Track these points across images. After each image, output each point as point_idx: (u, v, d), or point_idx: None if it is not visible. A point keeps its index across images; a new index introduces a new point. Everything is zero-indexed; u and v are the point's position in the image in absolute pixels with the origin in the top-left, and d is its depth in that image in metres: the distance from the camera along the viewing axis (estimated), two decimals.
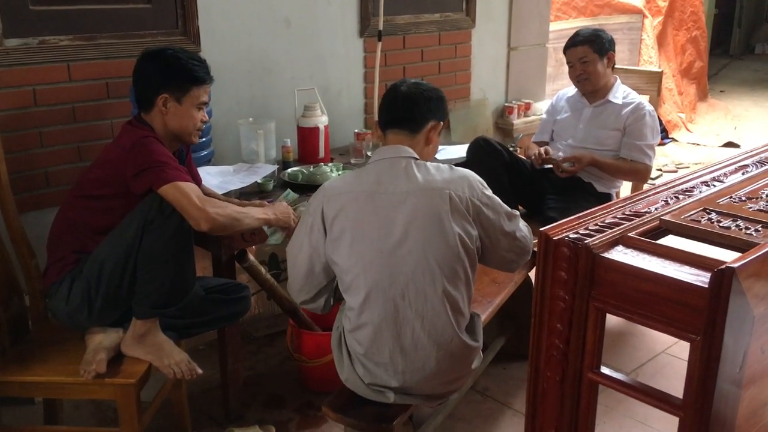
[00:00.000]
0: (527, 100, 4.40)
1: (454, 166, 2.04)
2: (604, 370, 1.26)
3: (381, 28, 3.38)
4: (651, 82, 3.36)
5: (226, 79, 3.03)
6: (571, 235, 1.26)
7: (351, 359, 2.01)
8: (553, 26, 5.06)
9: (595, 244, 1.22)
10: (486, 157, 3.05)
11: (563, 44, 5.28)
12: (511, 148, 3.27)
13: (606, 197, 3.17)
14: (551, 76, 5.07)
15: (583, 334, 1.24)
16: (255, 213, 2.25)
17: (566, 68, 5.52)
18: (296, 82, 3.26)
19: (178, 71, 2.18)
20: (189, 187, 2.06)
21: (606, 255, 1.22)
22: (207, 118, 2.32)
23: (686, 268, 1.14)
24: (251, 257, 2.46)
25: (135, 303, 2.08)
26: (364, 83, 3.57)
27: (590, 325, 1.23)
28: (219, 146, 3.01)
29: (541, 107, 4.42)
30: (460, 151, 3.22)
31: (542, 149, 3.16)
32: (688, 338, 1.12)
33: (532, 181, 3.17)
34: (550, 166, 3.16)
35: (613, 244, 1.25)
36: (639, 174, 3.21)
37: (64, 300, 2.11)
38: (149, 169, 2.05)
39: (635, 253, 1.22)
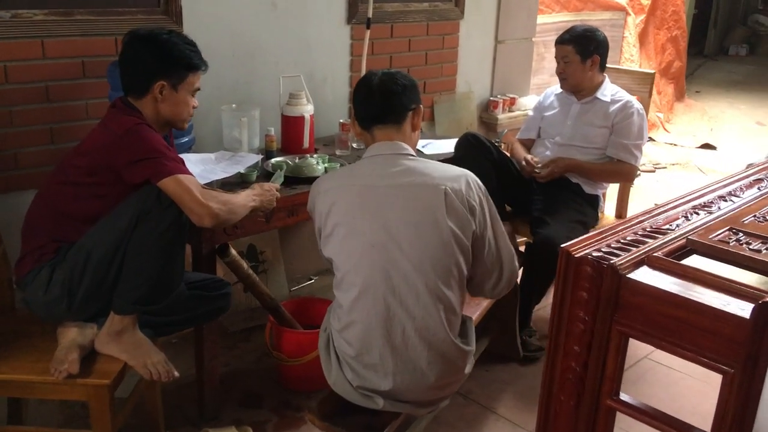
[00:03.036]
0: (512, 95, 4.33)
1: (452, 165, 1.98)
2: (624, 397, 1.20)
3: (370, 15, 3.27)
4: (643, 84, 3.31)
5: (209, 62, 2.85)
6: (594, 254, 1.19)
7: (339, 362, 1.94)
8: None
9: (621, 264, 1.15)
10: (475, 153, 2.98)
11: (545, 38, 5.29)
12: (495, 143, 3.20)
13: (594, 199, 3.13)
14: (532, 70, 5.00)
15: (603, 358, 1.17)
16: (245, 201, 2.17)
17: (546, 62, 5.54)
18: (281, 68, 3.14)
19: (177, 58, 2.09)
20: (189, 180, 1.97)
21: (633, 276, 1.15)
22: (197, 104, 2.23)
23: (722, 296, 1.08)
24: (233, 251, 2.35)
25: (116, 296, 1.97)
26: (350, 72, 3.46)
27: (612, 349, 1.16)
28: (199, 132, 2.88)
29: (525, 102, 4.35)
30: (448, 146, 3.14)
31: (529, 157, 3.09)
32: (721, 370, 1.06)
33: (519, 180, 3.11)
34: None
35: (638, 264, 1.19)
36: (623, 175, 3.17)
37: (42, 289, 1.99)
38: (147, 160, 1.94)
39: (663, 275, 1.15)
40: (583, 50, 3.06)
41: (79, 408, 2.46)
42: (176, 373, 2.04)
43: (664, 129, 6.63)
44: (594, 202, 3.12)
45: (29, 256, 2.02)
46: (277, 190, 2.33)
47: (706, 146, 6.33)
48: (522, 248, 3.06)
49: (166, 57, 2.07)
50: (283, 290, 3.31)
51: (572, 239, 2.82)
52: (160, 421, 2.36)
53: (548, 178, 3.03)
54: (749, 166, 3.96)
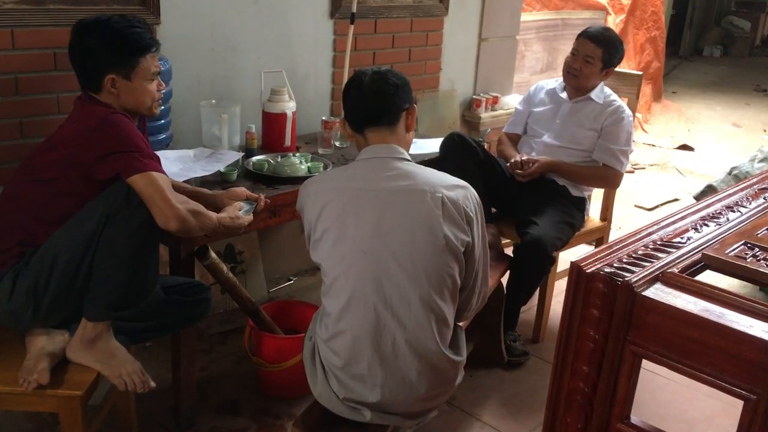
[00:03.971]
0: (495, 94, 4.27)
1: (449, 174, 1.90)
2: (635, 420, 1.14)
3: (355, 9, 3.18)
4: (630, 85, 3.26)
5: (188, 56, 2.80)
6: (605, 269, 1.12)
7: (325, 373, 1.86)
8: None
9: (636, 281, 1.09)
10: (460, 154, 2.91)
11: (526, 37, 5.23)
12: (479, 142, 3.13)
13: (580, 201, 3.08)
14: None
15: (615, 379, 1.11)
16: (217, 219, 2.06)
17: (527, 61, 5.49)
18: (262, 63, 3.05)
19: (121, 45, 1.93)
20: (162, 179, 1.87)
21: (648, 294, 1.09)
22: (164, 86, 2.10)
23: (744, 317, 1.02)
24: (213, 254, 2.26)
25: (88, 302, 1.86)
26: (332, 68, 3.37)
27: (624, 370, 1.10)
28: (177, 128, 2.77)
29: (508, 101, 4.30)
30: (433, 145, 3.07)
31: (521, 158, 3.01)
32: (742, 396, 1.00)
33: (505, 182, 3.04)
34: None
35: (652, 281, 1.12)
36: (608, 180, 3.10)
37: (6, 296, 1.87)
38: (119, 154, 1.84)
39: (679, 293, 1.09)
40: (609, 59, 2.98)
41: (48, 416, 2.35)
42: (152, 384, 1.95)
43: (643, 129, 6.64)
44: (580, 205, 3.07)
45: None
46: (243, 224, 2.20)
47: (684, 147, 6.34)
48: (507, 250, 3.00)
49: (107, 47, 1.92)
50: (261, 291, 3.22)
51: (561, 240, 2.83)
52: (133, 429, 2.26)
53: (531, 175, 2.96)
54: (732, 169, 3.95)
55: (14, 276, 1.87)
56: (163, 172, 1.91)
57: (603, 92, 3.06)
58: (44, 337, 1.89)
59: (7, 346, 1.94)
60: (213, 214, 2.05)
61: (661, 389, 2.78)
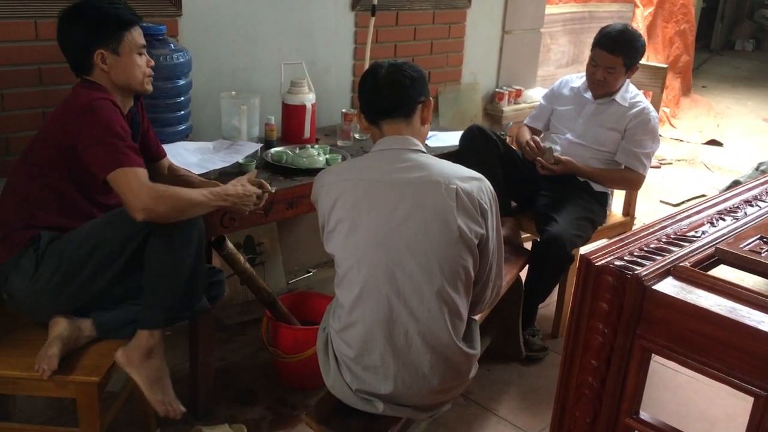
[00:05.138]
0: (518, 87, 4.23)
1: (464, 167, 1.89)
2: (644, 416, 1.12)
3: (376, 1, 3.17)
4: (655, 78, 3.20)
5: (208, 47, 2.82)
6: (616, 262, 1.11)
7: (338, 364, 1.86)
8: None
9: (646, 275, 1.07)
10: (480, 147, 2.89)
11: (551, 29, 5.17)
12: (501, 136, 3.10)
13: (602, 196, 3.03)
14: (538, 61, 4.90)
15: (624, 374, 1.10)
16: (207, 199, 1.97)
17: (552, 54, 5.43)
18: (282, 55, 3.05)
19: (105, 21, 1.98)
20: (131, 172, 1.84)
21: (658, 288, 1.07)
22: (153, 62, 2.13)
23: (755, 312, 1.00)
24: (230, 244, 2.27)
25: (145, 309, 1.89)
26: (353, 60, 3.36)
27: (633, 365, 1.09)
28: (196, 120, 2.79)
29: (531, 95, 4.26)
30: (453, 138, 3.05)
31: (533, 139, 2.97)
32: (752, 392, 0.98)
33: (525, 175, 3.01)
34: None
35: (663, 274, 1.10)
36: (630, 183, 3.06)
37: (28, 277, 1.90)
38: (94, 147, 1.85)
39: (690, 287, 1.07)
40: (631, 62, 2.91)
41: (69, 402, 2.39)
42: (182, 409, 2.00)
43: (670, 124, 6.55)
44: (602, 200, 3.03)
45: (2, 245, 1.95)
46: (263, 192, 2.17)
47: (713, 142, 6.24)
48: (527, 244, 2.98)
49: (91, 24, 1.97)
50: (280, 282, 3.23)
51: (581, 237, 2.80)
52: (151, 417, 2.28)
53: (551, 173, 2.92)
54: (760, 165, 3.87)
55: (36, 257, 1.90)
56: (138, 164, 1.88)
57: (628, 92, 2.99)
58: (65, 323, 1.91)
59: (27, 332, 1.97)
60: (196, 191, 1.98)
61: (682, 387, 2.74)
